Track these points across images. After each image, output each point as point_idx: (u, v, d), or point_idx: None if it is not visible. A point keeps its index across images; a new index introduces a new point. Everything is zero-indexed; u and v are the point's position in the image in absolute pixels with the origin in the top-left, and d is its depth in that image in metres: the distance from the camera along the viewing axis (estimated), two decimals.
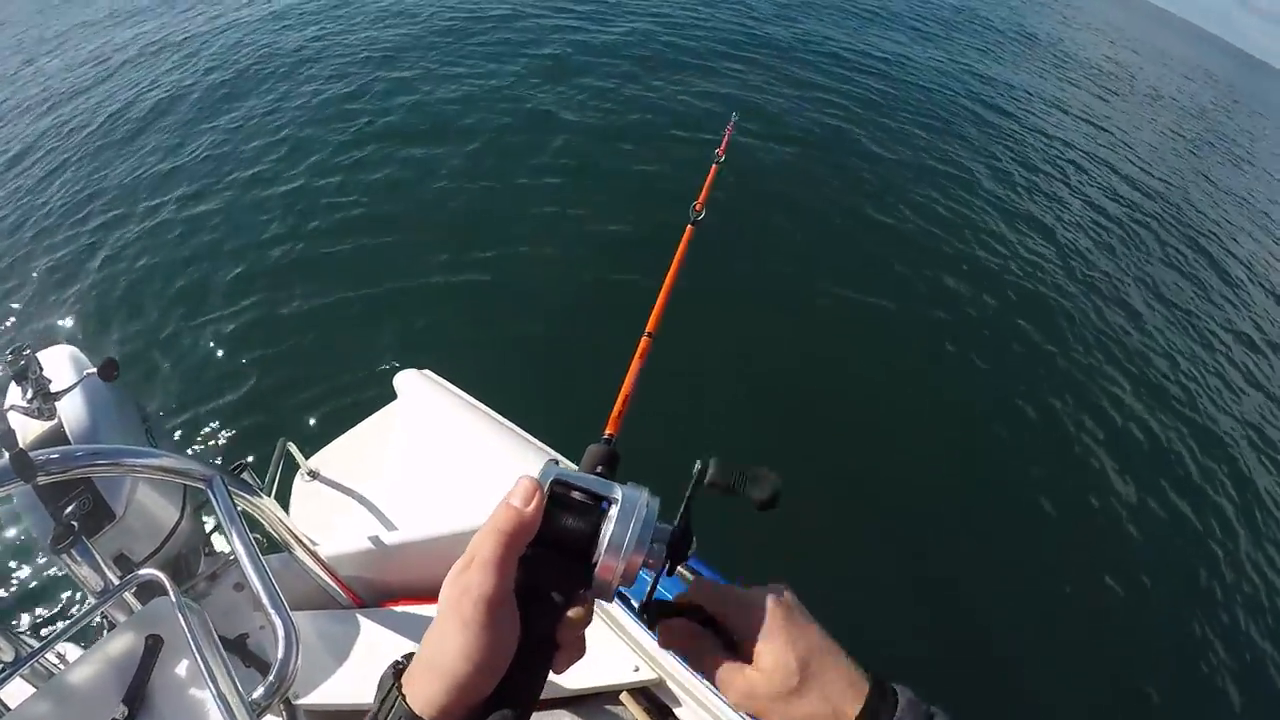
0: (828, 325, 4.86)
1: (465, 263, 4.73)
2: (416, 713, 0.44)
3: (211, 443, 3.48)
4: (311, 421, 3.54)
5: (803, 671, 0.51)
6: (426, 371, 2.12)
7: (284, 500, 1.91)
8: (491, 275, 4.67)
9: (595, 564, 0.47)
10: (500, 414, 1.93)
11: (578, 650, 0.51)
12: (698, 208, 1.51)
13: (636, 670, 1.36)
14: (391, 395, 2.12)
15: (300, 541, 1.57)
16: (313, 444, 2.07)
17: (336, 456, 2.04)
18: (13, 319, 4.40)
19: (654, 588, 0.57)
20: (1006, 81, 11.47)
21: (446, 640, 0.44)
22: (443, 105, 6.60)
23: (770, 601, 0.54)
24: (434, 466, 1.88)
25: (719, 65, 8.38)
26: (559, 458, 1.59)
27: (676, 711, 1.31)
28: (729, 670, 0.54)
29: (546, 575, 0.48)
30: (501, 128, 6.29)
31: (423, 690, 0.44)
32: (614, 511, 0.48)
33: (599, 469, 0.57)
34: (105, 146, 6.18)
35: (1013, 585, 3.59)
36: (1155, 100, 15.14)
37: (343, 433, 2.10)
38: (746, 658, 0.54)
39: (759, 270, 5.11)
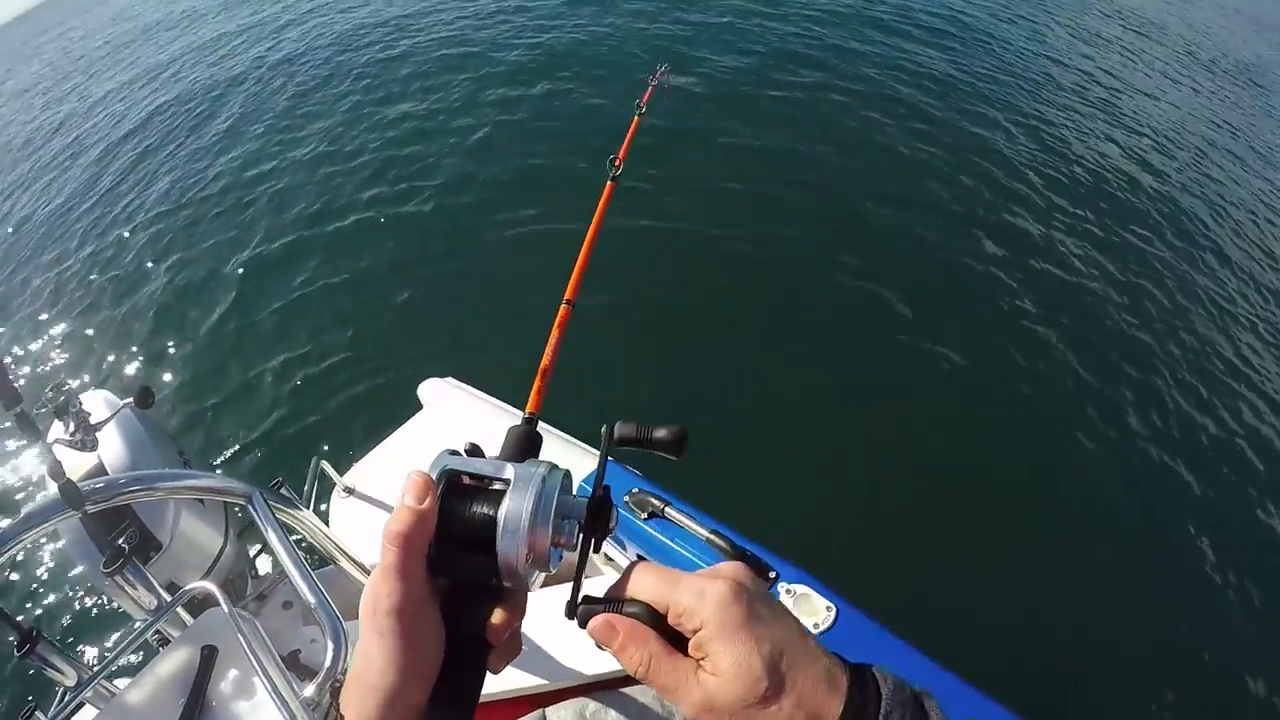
0: (776, 274, 4.37)
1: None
2: None
3: (242, 466, 3.47)
4: (340, 437, 3.45)
5: (771, 674, 0.43)
6: (449, 379, 2.16)
7: (323, 519, 1.93)
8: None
9: (496, 551, 0.43)
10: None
11: (512, 648, 0.49)
12: (617, 162, 1.42)
13: None
14: (417, 405, 2.15)
15: (343, 552, 1.59)
16: (344, 458, 2.09)
17: (370, 471, 2.06)
18: (42, 356, 4.45)
19: (579, 576, 0.48)
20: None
21: (370, 654, 0.43)
22: None
23: (725, 590, 0.44)
24: None
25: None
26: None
27: None
28: (680, 675, 0.44)
29: (455, 572, 0.45)
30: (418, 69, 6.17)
31: (358, 707, 0.43)
32: (509, 491, 0.44)
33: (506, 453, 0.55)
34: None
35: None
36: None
37: (373, 446, 2.13)
38: (698, 658, 0.45)
39: (688, 220, 4.68)
